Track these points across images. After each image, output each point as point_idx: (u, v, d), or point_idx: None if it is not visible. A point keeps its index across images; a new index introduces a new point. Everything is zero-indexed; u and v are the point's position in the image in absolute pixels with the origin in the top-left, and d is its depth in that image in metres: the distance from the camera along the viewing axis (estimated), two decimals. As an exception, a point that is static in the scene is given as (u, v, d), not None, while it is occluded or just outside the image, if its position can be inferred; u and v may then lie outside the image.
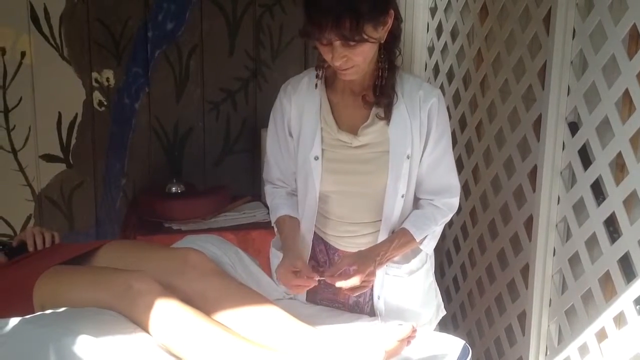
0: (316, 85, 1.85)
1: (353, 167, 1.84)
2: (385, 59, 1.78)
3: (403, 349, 1.67)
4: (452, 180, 1.90)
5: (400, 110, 1.81)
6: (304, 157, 1.86)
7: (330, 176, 1.85)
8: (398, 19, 1.75)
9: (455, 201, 1.91)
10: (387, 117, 1.80)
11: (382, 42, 1.73)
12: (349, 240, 1.93)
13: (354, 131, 1.83)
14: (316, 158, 1.84)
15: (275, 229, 1.98)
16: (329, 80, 1.86)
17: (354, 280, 1.72)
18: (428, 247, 1.93)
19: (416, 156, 1.83)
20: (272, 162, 1.98)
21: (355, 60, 1.69)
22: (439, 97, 1.83)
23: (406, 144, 1.81)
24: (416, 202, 1.92)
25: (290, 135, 1.90)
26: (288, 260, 1.79)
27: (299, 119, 1.87)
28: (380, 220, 1.87)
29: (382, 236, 1.87)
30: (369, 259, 1.76)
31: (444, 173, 1.88)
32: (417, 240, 1.85)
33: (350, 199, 1.88)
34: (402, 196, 1.84)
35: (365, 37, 1.64)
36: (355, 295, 1.83)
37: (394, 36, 1.77)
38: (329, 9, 1.61)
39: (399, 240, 1.84)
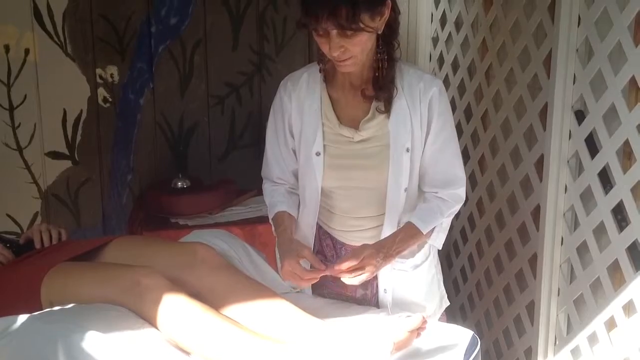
0: (324, 78, 1.84)
1: (355, 163, 1.84)
2: (383, 51, 1.77)
3: (413, 341, 1.66)
4: (456, 171, 1.88)
5: (400, 103, 1.80)
6: (305, 154, 1.86)
7: (332, 172, 1.85)
8: (395, 11, 1.74)
9: (461, 192, 1.89)
10: (388, 110, 1.80)
11: (380, 33, 1.71)
12: (355, 234, 1.93)
13: (355, 125, 1.82)
14: (318, 154, 1.83)
15: (273, 226, 1.95)
16: (329, 76, 1.85)
17: (361, 277, 1.72)
18: (437, 240, 1.92)
19: (417, 149, 1.82)
20: (272, 160, 1.97)
21: (353, 50, 1.68)
22: (440, 88, 1.81)
23: (406, 137, 1.80)
24: (422, 196, 1.91)
25: (291, 133, 1.90)
26: (293, 251, 1.75)
27: (300, 115, 1.86)
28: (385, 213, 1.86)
29: (386, 229, 1.86)
30: (373, 252, 1.75)
31: (447, 164, 1.86)
32: (424, 233, 1.84)
33: (354, 194, 1.87)
34: (405, 190, 1.84)
35: (362, 25, 1.62)
36: (359, 284, 1.80)
37: (392, 28, 1.76)
38: None
39: (405, 233, 1.83)
